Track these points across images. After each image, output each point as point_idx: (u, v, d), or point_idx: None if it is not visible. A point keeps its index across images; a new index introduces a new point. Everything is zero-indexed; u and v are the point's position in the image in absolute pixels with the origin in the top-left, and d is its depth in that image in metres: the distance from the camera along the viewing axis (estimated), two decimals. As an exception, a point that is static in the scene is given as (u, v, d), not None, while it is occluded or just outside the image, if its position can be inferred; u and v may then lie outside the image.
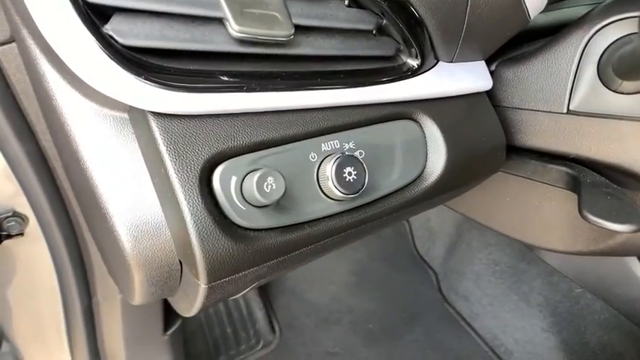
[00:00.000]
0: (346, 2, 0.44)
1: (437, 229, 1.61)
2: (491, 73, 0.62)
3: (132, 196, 0.37)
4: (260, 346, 1.35)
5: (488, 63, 0.61)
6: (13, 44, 0.42)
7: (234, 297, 0.58)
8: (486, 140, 0.57)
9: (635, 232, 0.44)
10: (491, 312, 1.43)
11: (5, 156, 0.49)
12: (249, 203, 0.37)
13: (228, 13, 0.36)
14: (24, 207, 0.54)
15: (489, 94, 0.61)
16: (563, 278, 1.23)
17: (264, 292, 1.46)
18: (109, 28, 0.33)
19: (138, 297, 0.43)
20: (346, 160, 0.40)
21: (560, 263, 1.18)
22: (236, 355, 1.32)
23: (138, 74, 0.33)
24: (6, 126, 0.46)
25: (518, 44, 0.60)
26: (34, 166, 0.51)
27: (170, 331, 0.89)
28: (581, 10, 0.57)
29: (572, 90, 0.52)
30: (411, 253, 1.69)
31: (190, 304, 0.43)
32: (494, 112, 0.59)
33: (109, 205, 0.37)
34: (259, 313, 1.39)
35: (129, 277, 0.40)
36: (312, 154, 0.42)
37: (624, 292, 1.04)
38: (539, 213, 0.62)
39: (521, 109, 0.59)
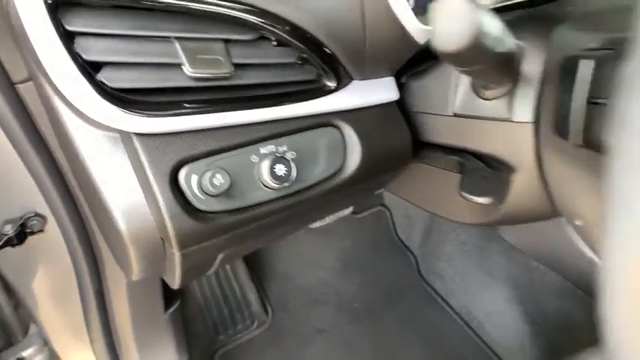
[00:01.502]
0: (274, 43, 0.51)
1: (414, 215, 1.62)
2: (403, 84, 0.70)
3: (125, 192, 0.44)
4: (255, 325, 1.39)
5: (400, 76, 0.68)
6: (31, 82, 0.49)
7: (209, 273, 0.63)
8: (394, 140, 0.65)
9: (490, 203, 0.55)
10: (463, 289, 1.46)
11: (27, 167, 0.54)
12: (206, 193, 0.46)
13: (184, 60, 0.44)
14: (44, 208, 0.59)
15: (403, 101, 0.69)
16: (521, 253, 1.25)
17: (257, 277, 1.49)
18: (101, 76, 0.41)
19: (135, 271, 0.49)
20: (278, 160, 0.50)
21: (517, 240, 1.20)
22: (233, 334, 1.36)
23: (124, 107, 0.41)
24: (27, 144, 0.52)
25: (424, 59, 0.67)
26: (50, 174, 0.56)
27: (170, 311, 0.93)
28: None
29: (454, 98, 0.60)
30: (393, 239, 1.71)
31: (173, 274, 0.52)
32: (402, 116, 0.67)
33: (108, 199, 0.44)
34: (252, 296, 1.42)
35: (126, 253, 0.46)
36: (254, 156, 0.50)
37: (573, 263, 1.07)
38: (446, 193, 0.71)
39: (424, 112, 0.68)
